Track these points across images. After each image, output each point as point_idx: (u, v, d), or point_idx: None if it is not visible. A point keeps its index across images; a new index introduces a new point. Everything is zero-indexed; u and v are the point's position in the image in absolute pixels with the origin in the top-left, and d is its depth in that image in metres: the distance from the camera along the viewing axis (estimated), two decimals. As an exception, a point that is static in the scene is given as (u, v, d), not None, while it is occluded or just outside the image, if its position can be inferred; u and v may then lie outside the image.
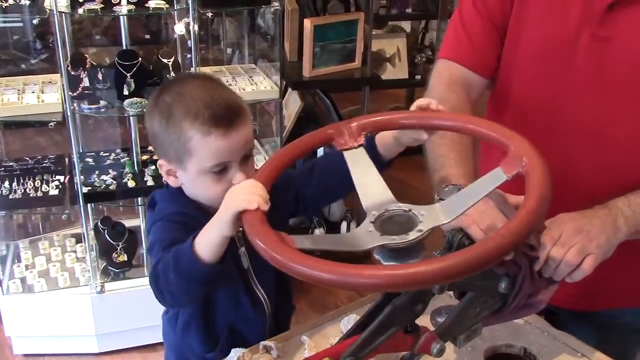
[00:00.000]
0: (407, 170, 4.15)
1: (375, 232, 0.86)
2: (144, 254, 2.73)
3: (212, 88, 1.16)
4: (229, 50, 3.50)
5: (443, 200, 1.10)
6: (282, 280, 1.30)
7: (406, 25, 4.58)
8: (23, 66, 3.89)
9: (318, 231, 3.05)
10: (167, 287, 1.08)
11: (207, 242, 1.02)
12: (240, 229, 0.97)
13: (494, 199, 1.07)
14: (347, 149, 1.01)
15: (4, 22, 3.32)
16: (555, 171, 0.87)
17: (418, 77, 4.08)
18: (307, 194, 1.25)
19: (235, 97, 1.18)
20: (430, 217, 0.86)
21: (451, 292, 1.06)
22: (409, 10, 3.96)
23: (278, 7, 2.52)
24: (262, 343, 1.20)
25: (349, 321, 1.25)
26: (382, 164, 1.15)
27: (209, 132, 1.10)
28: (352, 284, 0.76)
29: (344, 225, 3.12)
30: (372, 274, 0.75)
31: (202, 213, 1.16)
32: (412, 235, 0.84)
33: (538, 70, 1.28)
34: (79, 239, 2.77)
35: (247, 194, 0.93)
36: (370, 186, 0.95)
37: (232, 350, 1.19)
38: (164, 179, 1.22)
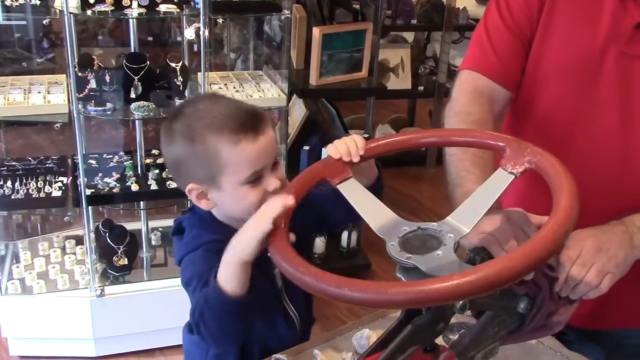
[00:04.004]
0: (401, 180, 4.18)
1: (403, 233, 0.90)
2: (144, 257, 2.72)
3: (225, 102, 1.15)
4: (231, 55, 3.49)
5: None
6: (308, 294, 1.28)
7: (407, 36, 4.59)
8: (25, 64, 3.87)
9: (319, 240, 3.04)
10: (208, 332, 1.03)
11: (229, 273, 0.99)
12: None
13: (516, 219, 1.06)
14: (505, 169, 0.97)
15: (8, 19, 3.31)
16: None
17: (421, 88, 4.10)
18: (336, 217, 1.24)
19: (249, 104, 1.16)
20: (436, 267, 0.85)
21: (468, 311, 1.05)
22: (414, 21, 3.96)
23: (289, 15, 2.51)
24: (274, 356, 1.19)
25: (361, 336, 1.24)
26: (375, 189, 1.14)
27: (238, 141, 1.07)
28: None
29: (344, 235, 3.10)
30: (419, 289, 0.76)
31: None
32: (404, 257, 0.86)
33: (562, 86, 1.27)
34: (78, 240, 2.75)
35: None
36: (475, 208, 0.94)
37: (245, 364, 1.18)
38: (193, 203, 1.16)
